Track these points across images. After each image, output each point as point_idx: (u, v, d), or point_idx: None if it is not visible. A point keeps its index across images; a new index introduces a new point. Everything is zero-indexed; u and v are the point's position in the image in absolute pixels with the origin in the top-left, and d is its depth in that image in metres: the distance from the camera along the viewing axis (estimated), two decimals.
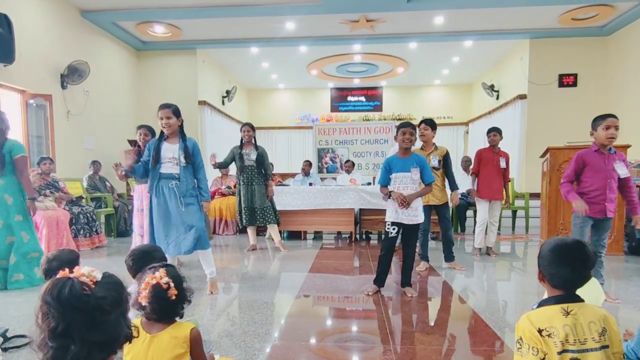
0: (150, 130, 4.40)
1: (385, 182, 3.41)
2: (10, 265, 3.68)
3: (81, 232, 5.65)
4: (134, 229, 4.33)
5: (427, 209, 4.13)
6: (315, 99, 12.97)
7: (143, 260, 1.99)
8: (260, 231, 6.77)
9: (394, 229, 3.31)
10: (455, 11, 7.12)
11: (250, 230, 5.56)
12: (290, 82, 12.33)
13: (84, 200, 6.21)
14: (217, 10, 6.96)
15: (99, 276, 1.01)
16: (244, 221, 5.30)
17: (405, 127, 3.33)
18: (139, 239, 4.20)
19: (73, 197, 5.83)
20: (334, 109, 12.91)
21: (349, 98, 12.90)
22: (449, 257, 4.37)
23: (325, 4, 6.63)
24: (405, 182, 3.30)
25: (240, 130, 5.31)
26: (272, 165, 5.36)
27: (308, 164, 7.62)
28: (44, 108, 6.37)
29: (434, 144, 4.29)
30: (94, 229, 5.83)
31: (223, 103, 10.46)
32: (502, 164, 4.82)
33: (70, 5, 6.79)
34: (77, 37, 6.99)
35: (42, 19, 6.23)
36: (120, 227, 6.89)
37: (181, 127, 3.41)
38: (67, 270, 1.01)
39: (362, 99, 12.87)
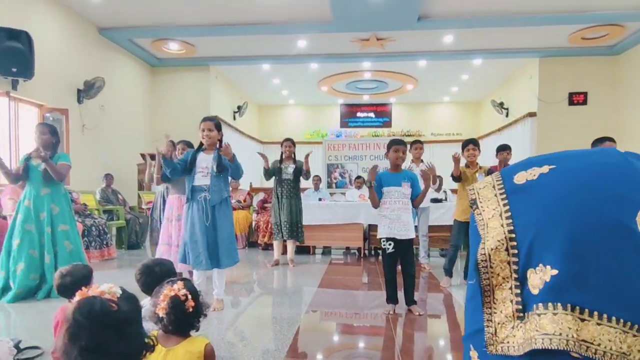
0: (188, 145, 4.48)
1: (379, 195, 3.39)
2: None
3: (92, 244, 5.71)
4: (160, 238, 4.22)
5: (462, 225, 4.14)
6: (325, 114, 13.09)
7: (151, 274, 2.03)
8: (270, 245, 6.79)
9: (389, 244, 3.31)
10: (464, 30, 7.21)
11: (277, 244, 5.57)
12: (301, 98, 12.47)
13: (96, 212, 6.29)
14: (231, 29, 7.12)
15: (119, 292, 1.06)
16: (284, 235, 5.34)
17: (398, 145, 3.36)
18: (164, 248, 4.10)
19: (86, 210, 5.92)
20: (344, 124, 13.00)
21: (359, 114, 12.99)
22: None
23: (337, 22, 6.76)
24: (397, 196, 3.33)
25: (281, 145, 5.44)
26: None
27: (318, 179, 7.67)
28: (60, 122, 6.51)
29: (477, 162, 4.36)
30: (105, 242, 5.89)
31: (234, 118, 10.60)
32: None
33: (89, 23, 7.00)
34: (95, 53, 7.18)
35: (61, 35, 6.42)
36: (131, 239, 6.95)
37: (220, 141, 3.49)
38: (84, 289, 1.05)
39: (372, 115, 12.96)
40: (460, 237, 4.23)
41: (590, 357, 0.75)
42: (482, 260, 0.89)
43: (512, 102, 9.96)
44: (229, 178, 3.53)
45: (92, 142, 7.11)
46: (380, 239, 3.37)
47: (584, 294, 0.77)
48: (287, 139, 5.46)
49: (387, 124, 12.87)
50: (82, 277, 2.12)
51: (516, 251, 0.83)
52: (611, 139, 3.11)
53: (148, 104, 9.03)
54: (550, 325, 0.77)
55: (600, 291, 0.76)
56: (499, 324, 0.88)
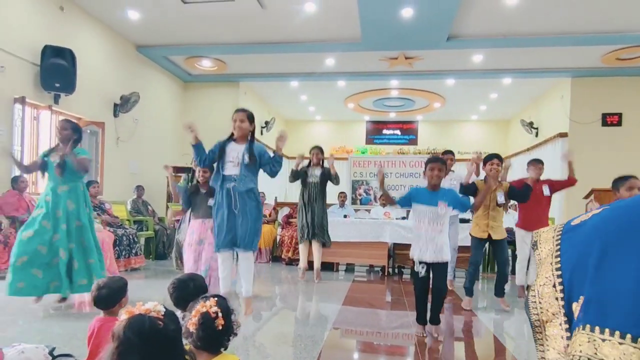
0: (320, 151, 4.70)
1: (402, 203, 3.30)
2: (75, 270, 3.70)
3: (122, 253, 5.87)
4: (185, 265, 4.13)
5: (479, 241, 4.08)
6: (351, 131, 13.15)
7: (185, 289, 2.08)
8: (294, 260, 6.80)
9: (422, 267, 3.14)
10: (494, 50, 7.17)
11: (303, 249, 5.55)
12: (327, 114, 12.59)
13: (127, 223, 6.48)
14: (262, 47, 7.32)
15: (163, 310, 1.10)
16: (309, 235, 5.38)
17: (434, 163, 3.20)
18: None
19: (118, 222, 6.10)
20: (369, 141, 13.02)
21: (384, 131, 12.99)
22: (499, 292, 4.18)
23: (366, 41, 6.84)
24: (431, 216, 3.13)
25: (310, 153, 5.59)
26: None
27: (344, 195, 7.69)
28: (96, 134, 6.80)
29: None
30: (134, 251, 6.05)
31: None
32: (546, 192, 4.54)
33: (127, 41, 7.34)
34: (131, 69, 7.50)
35: (102, 53, 6.75)
36: (158, 249, 7.12)
37: (252, 132, 3.54)
38: (130, 307, 1.09)
39: (398, 132, 12.94)
40: (479, 253, 4.13)
41: None
42: (532, 296, 0.93)
43: (542, 122, 9.77)
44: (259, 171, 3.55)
45: (125, 154, 7.37)
46: (412, 259, 3.27)
47: (606, 316, 0.80)
48: (316, 147, 5.60)
49: (413, 142, 12.81)
50: (118, 289, 2.19)
51: (562, 287, 0.86)
52: (634, 177, 3.07)
53: (179, 118, 9.30)
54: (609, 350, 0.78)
55: (623, 309, 0.79)
56: None
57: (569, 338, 0.86)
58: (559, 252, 0.91)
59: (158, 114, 8.46)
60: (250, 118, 3.50)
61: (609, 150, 8.08)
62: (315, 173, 5.44)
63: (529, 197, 4.16)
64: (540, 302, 0.93)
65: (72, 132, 3.77)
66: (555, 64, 7.87)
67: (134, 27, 6.82)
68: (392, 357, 2.90)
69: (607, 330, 0.79)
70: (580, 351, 0.79)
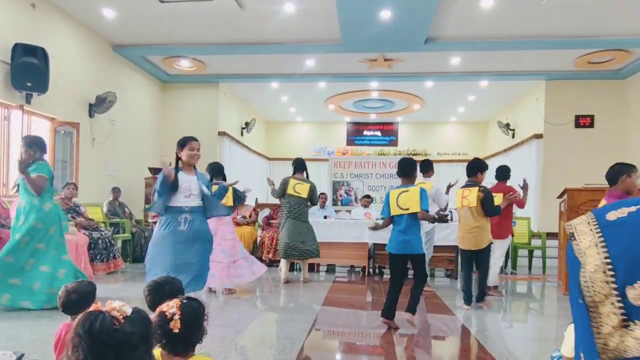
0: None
1: (386, 213, 3.44)
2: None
3: (98, 256, 5.74)
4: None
5: (467, 256, 4.19)
6: (332, 132, 13.18)
7: (160, 292, 2.04)
8: (275, 262, 6.77)
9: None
10: (471, 53, 7.30)
11: (285, 263, 5.54)
12: (308, 115, 12.59)
13: (102, 225, 6.34)
14: (241, 47, 7.26)
15: (129, 311, 1.03)
16: (284, 254, 5.36)
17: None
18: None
19: (94, 225, 5.96)
20: (350, 142, 13.07)
21: (365, 132, 13.07)
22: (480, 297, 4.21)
23: (346, 43, 6.87)
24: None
25: (292, 165, 5.54)
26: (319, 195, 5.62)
27: (324, 196, 7.69)
28: (71, 135, 6.62)
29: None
30: (111, 254, 5.92)
31: (242, 134, 10.70)
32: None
33: (103, 40, 7.18)
34: (107, 69, 7.34)
35: (76, 51, 6.58)
36: (136, 252, 6.98)
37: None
38: (99, 303, 1.04)
39: (378, 133, 13.03)
40: (467, 266, 4.23)
41: None
42: (584, 282, 1.07)
43: (519, 124, 9.99)
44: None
45: (101, 156, 7.21)
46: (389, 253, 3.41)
47: None
48: (297, 159, 5.60)
49: (394, 143, 12.92)
50: (87, 294, 2.13)
51: (613, 272, 1.01)
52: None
53: (157, 119, 9.16)
54: None
55: None
56: (607, 334, 1.03)
57: (623, 314, 1.01)
58: (604, 244, 1.06)
59: (135, 114, 8.30)
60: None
61: (582, 150, 8.31)
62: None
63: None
64: (593, 286, 1.07)
65: (27, 147, 3.76)
66: (530, 67, 8.06)
67: (110, 25, 6.68)
68: (371, 357, 2.91)
69: None
70: None
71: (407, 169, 3.48)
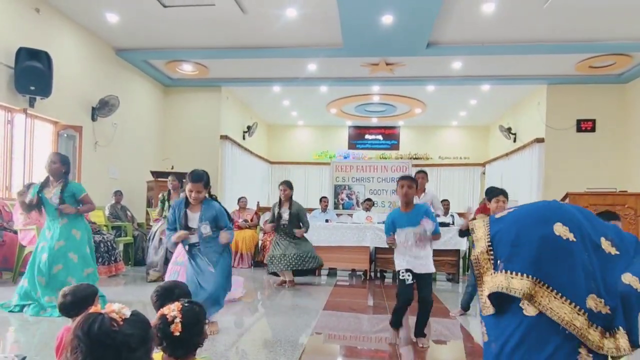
0: (179, 179, 4.51)
1: (389, 232, 3.24)
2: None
3: (100, 260, 5.73)
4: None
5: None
6: (333, 136, 13.19)
7: (166, 296, 2.04)
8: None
9: (408, 274, 3.09)
10: (473, 57, 7.32)
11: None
12: (310, 119, 12.61)
13: (104, 228, 6.35)
14: (243, 52, 7.30)
15: (127, 313, 1.04)
16: (273, 267, 5.39)
17: (404, 180, 3.19)
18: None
19: (96, 228, 5.97)
20: (352, 146, 13.08)
21: (367, 136, 13.07)
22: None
23: (347, 48, 6.90)
24: (413, 235, 3.11)
25: (278, 188, 5.47)
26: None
27: (326, 200, 7.70)
28: (73, 138, 6.65)
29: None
30: (113, 257, 5.92)
31: (244, 138, 10.73)
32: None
33: (106, 44, 7.23)
34: (110, 73, 7.38)
35: (79, 56, 6.62)
36: (137, 256, 6.99)
37: (209, 193, 3.36)
38: (99, 306, 1.05)
39: (380, 137, 13.04)
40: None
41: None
42: (475, 259, 1.69)
43: (520, 128, 9.99)
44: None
45: (104, 159, 7.23)
46: (399, 270, 3.16)
47: (514, 264, 1.58)
48: (283, 182, 5.47)
49: (395, 147, 12.92)
50: (84, 297, 2.13)
51: (492, 253, 1.66)
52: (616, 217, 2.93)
53: (160, 123, 9.19)
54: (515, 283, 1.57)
55: (523, 261, 1.57)
56: (485, 295, 1.61)
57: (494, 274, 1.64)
58: (489, 234, 1.69)
59: (138, 118, 8.33)
60: (207, 184, 3.26)
61: (584, 155, 8.30)
62: (284, 216, 5.36)
63: None
64: (479, 263, 1.68)
65: (61, 165, 3.88)
66: (532, 72, 8.07)
67: (113, 30, 6.73)
68: None
69: (514, 272, 1.56)
70: (501, 282, 1.56)
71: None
